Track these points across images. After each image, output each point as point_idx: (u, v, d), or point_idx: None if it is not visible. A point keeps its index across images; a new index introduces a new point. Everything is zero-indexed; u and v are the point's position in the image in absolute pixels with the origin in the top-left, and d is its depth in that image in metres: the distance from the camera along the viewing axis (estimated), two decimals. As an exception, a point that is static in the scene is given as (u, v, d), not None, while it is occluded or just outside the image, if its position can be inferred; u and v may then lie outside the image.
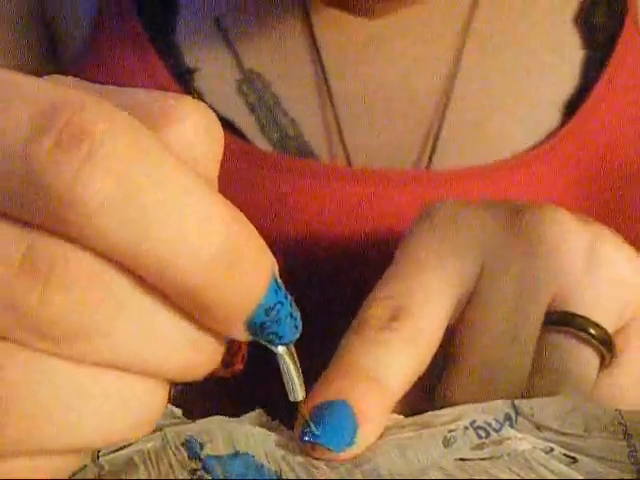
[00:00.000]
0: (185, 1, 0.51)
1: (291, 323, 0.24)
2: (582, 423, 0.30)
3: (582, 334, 0.33)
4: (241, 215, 0.23)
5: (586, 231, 0.35)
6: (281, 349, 0.25)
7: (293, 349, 0.26)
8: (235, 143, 0.48)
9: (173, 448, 0.28)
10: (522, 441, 0.30)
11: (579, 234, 0.34)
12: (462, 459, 0.29)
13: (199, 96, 0.49)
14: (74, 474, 0.27)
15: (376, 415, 0.30)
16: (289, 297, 0.24)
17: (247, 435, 0.29)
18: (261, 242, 0.23)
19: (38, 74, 0.23)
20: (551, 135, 0.49)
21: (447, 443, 0.30)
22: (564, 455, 0.29)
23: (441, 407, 0.32)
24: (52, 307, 0.21)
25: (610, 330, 0.34)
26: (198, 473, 0.27)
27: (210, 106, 0.54)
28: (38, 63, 0.53)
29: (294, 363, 0.26)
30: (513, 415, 0.31)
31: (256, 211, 0.47)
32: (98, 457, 0.28)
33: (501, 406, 0.31)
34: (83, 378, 0.22)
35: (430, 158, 0.49)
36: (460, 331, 0.34)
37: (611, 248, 0.34)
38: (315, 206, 0.47)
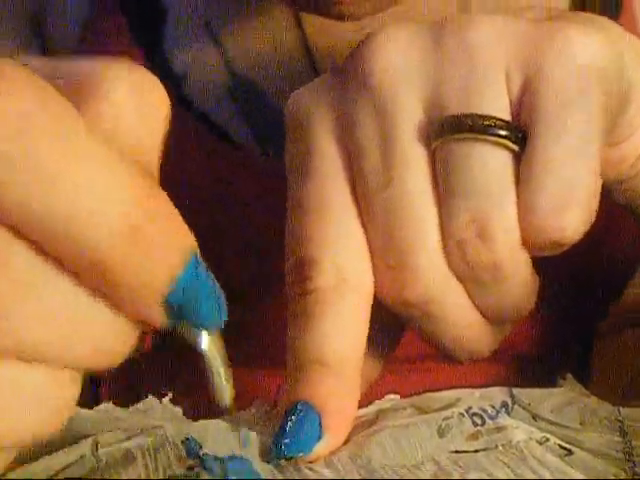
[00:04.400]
0: (173, 7, 0.49)
1: (213, 304, 0.23)
2: (578, 416, 0.30)
3: (482, 137, 0.29)
4: (160, 192, 0.22)
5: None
6: (204, 340, 0.23)
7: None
8: (227, 150, 0.47)
9: (172, 445, 0.28)
10: (517, 430, 0.30)
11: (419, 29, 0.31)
12: (457, 451, 0.29)
13: (189, 102, 0.48)
14: (69, 464, 0.27)
15: (336, 403, 0.30)
16: (212, 277, 0.23)
17: (243, 439, 0.29)
18: (178, 220, 0.22)
19: None
20: None
21: (442, 433, 0.30)
22: (559, 446, 0.29)
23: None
24: None
25: (507, 114, 0.30)
26: (196, 469, 0.27)
27: (200, 112, 0.49)
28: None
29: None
30: (510, 403, 0.31)
31: (250, 218, 0.46)
32: (97, 449, 0.28)
33: (498, 393, 0.31)
34: None
35: None
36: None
37: (468, 19, 0.31)
38: None
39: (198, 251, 0.22)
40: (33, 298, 0.21)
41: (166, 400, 0.31)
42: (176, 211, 0.22)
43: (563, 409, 0.31)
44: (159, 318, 0.22)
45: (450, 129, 0.30)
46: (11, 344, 0.21)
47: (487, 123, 0.29)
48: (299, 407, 0.29)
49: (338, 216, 0.31)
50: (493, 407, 0.30)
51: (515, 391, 0.31)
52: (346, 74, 0.32)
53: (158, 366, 0.53)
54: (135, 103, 0.22)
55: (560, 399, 0.31)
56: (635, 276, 0.49)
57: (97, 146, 0.21)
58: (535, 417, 0.30)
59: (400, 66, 0.31)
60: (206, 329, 0.23)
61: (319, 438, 0.29)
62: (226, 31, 0.49)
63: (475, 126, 0.29)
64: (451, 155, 0.30)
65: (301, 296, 0.31)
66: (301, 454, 0.29)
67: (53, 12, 0.51)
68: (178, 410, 0.31)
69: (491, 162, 0.29)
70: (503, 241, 0.29)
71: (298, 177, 0.32)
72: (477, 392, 0.31)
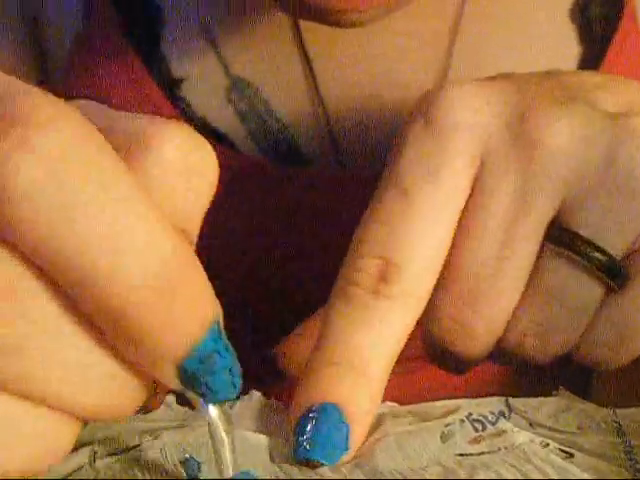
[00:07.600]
0: (171, 10, 0.50)
1: (228, 379, 0.22)
2: (575, 421, 0.31)
3: (582, 261, 0.30)
4: (193, 257, 0.21)
5: (607, 129, 0.30)
6: (212, 410, 0.23)
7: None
8: (224, 152, 0.48)
9: (171, 464, 0.27)
10: (518, 434, 0.30)
11: (597, 136, 0.30)
12: (461, 454, 0.29)
13: (187, 105, 0.49)
14: (69, 474, 0.26)
15: (366, 414, 0.30)
16: (231, 350, 0.22)
17: (244, 445, 0.29)
18: (206, 286, 0.22)
19: (27, 77, 0.22)
20: None
21: (445, 438, 0.30)
22: (560, 450, 0.29)
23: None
24: None
25: (620, 253, 0.30)
26: None
27: (198, 115, 0.49)
28: (26, 67, 0.52)
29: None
30: (506, 412, 0.31)
31: (247, 220, 0.46)
32: (95, 460, 0.27)
33: (495, 403, 0.32)
34: None
35: None
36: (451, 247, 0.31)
37: (636, 151, 0.30)
38: (308, 213, 0.46)
39: (221, 322, 0.22)
40: (48, 339, 0.20)
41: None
42: (206, 279, 0.22)
43: (560, 415, 0.31)
44: (171, 380, 0.22)
45: (557, 240, 0.30)
46: (19, 384, 0.20)
47: (588, 249, 0.30)
48: (328, 410, 0.29)
49: (435, 234, 0.31)
50: (492, 413, 0.31)
51: (511, 400, 0.32)
52: (520, 121, 0.31)
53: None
54: (181, 166, 0.22)
55: (556, 406, 0.31)
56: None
57: (135, 193, 0.20)
58: (532, 424, 0.31)
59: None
60: (215, 401, 0.23)
61: (346, 449, 0.29)
62: (223, 34, 0.49)
63: (576, 248, 0.30)
64: (547, 263, 0.31)
65: (365, 296, 0.30)
66: (324, 462, 0.28)
67: (48, 14, 0.51)
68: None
69: (586, 292, 0.31)
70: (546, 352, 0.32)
71: (415, 169, 0.31)
72: (474, 401, 0.32)
